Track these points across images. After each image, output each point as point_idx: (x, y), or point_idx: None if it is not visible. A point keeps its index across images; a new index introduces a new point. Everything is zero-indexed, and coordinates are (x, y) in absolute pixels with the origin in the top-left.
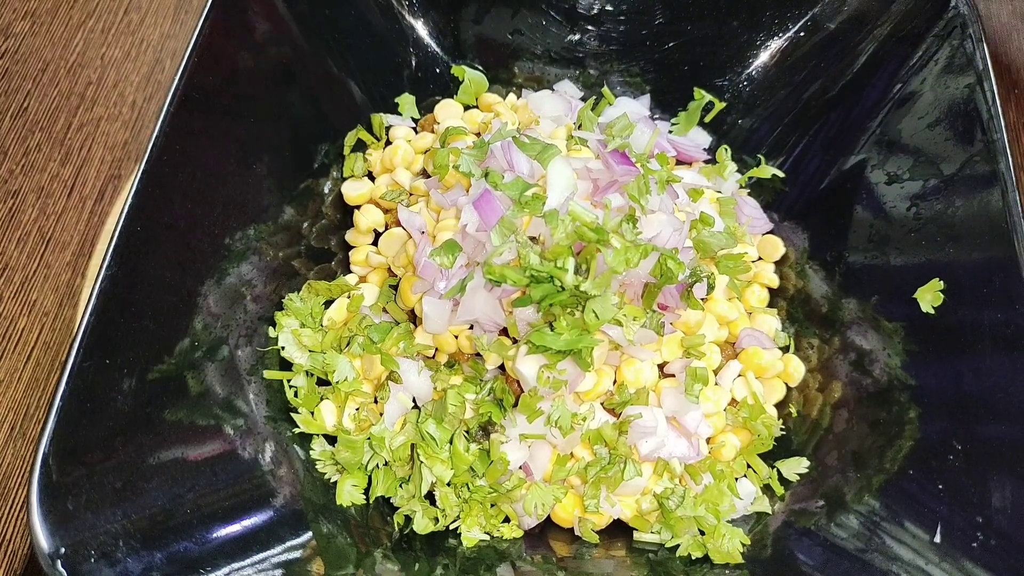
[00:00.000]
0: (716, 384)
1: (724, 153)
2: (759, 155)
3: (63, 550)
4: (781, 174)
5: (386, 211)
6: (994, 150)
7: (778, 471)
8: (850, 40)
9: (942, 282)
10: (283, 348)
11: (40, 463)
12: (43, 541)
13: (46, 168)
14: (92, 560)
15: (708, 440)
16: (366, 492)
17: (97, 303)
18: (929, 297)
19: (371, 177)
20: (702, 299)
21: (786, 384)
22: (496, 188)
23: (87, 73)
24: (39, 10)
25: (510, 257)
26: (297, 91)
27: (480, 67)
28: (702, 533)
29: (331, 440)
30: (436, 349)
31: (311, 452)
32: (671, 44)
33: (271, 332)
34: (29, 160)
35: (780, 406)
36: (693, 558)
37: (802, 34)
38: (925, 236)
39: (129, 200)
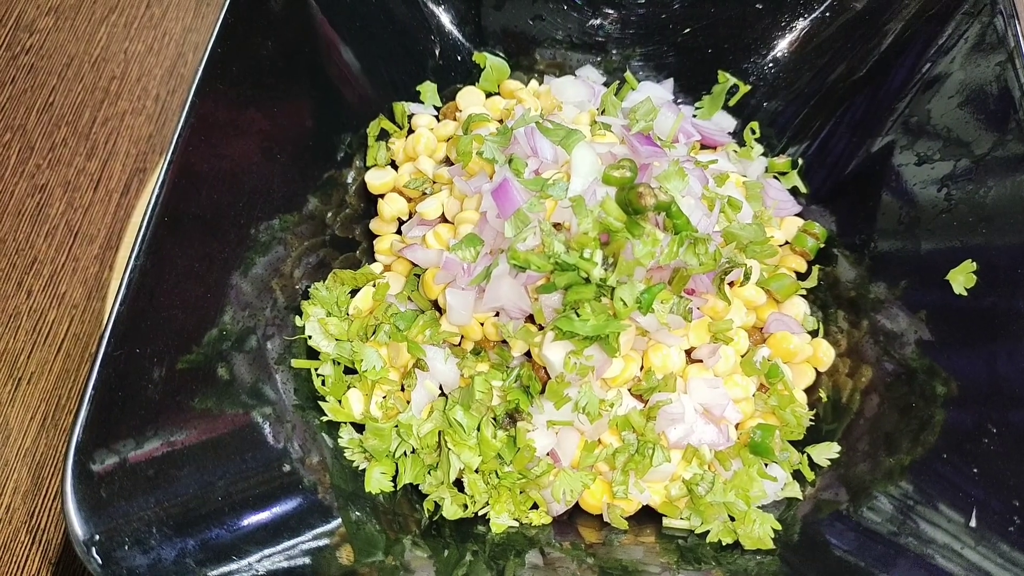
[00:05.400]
0: None
1: (750, 134)
2: (780, 148)
3: (98, 537)
4: (799, 164)
5: (409, 199)
6: None
7: (808, 456)
8: (877, 19)
9: (975, 263)
10: (310, 337)
11: (73, 451)
12: (78, 528)
13: (72, 162)
14: (126, 547)
15: (737, 426)
16: (394, 479)
17: (126, 293)
18: (962, 279)
19: (394, 166)
20: (730, 284)
21: (816, 369)
22: (518, 176)
23: (111, 67)
24: (63, 6)
25: (534, 243)
26: (319, 81)
27: (502, 54)
28: (732, 519)
29: (359, 428)
30: (462, 336)
31: (339, 440)
32: (694, 27)
33: (298, 321)
34: (55, 155)
35: (810, 391)
36: (723, 544)
37: (828, 14)
38: (957, 217)
39: (156, 191)
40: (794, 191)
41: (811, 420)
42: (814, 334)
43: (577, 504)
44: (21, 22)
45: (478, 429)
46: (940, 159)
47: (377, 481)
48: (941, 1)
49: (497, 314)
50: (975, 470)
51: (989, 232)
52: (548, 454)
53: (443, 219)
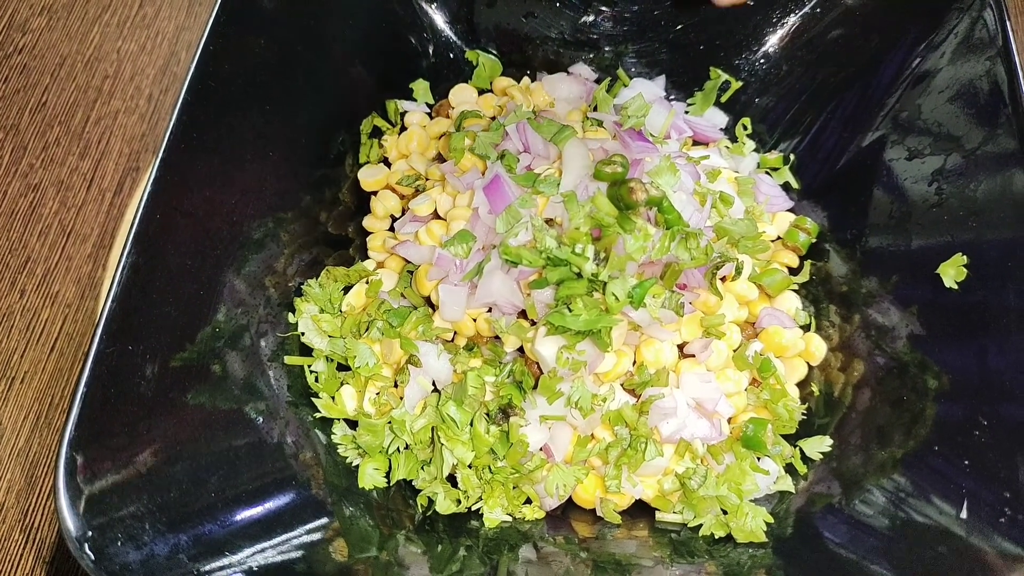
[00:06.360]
0: None
1: (742, 130)
2: (771, 144)
3: (90, 534)
4: (791, 160)
5: (402, 197)
6: (1018, 124)
7: (801, 450)
8: (867, 15)
9: (965, 257)
10: (303, 334)
11: (66, 448)
12: (70, 525)
13: (65, 162)
14: (119, 543)
15: (729, 420)
16: (387, 475)
17: (119, 290)
18: (952, 272)
19: (387, 163)
20: (722, 279)
21: (808, 363)
22: (510, 171)
23: (103, 67)
24: (55, 5)
25: (526, 238)
26: (312, 79)
27: (494, 51)
28: (725, 513)
29: (352, 424)
30: (455, 332)
31: (332, 436)
32: (685, 24)
33: (291, 318)
34: (48, 154)
35: (802, 385)
36: (716, 537)
37: (818, 10)
38: (947, 211)
39: (148, 188)
40: (786, 186)
41: (803, 414)
42: (806, 329)
43: (570, 499)
44: (14, 22)
45: (471, 424)
46: (931, 154)
47: (370, 477)
48: None
49: (490, 310)
50: (966, 462)
51: (979, 226)
52: (541, 449)
53: (435, 216)
